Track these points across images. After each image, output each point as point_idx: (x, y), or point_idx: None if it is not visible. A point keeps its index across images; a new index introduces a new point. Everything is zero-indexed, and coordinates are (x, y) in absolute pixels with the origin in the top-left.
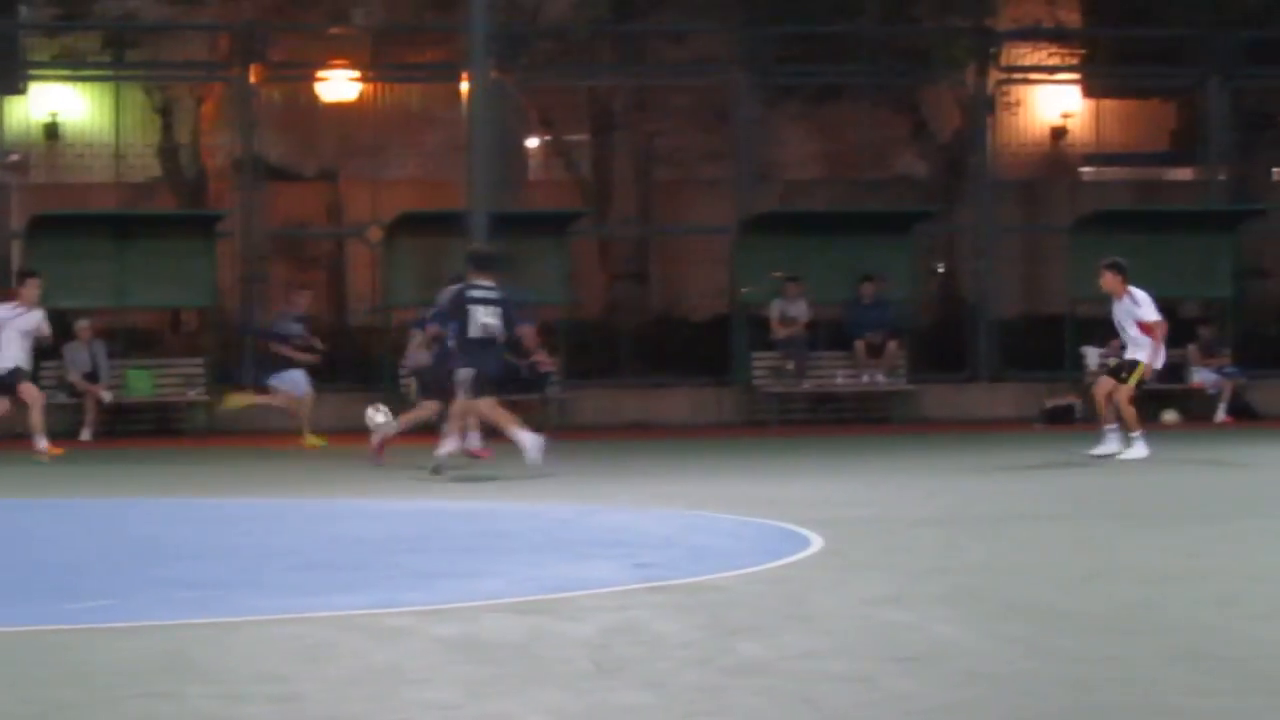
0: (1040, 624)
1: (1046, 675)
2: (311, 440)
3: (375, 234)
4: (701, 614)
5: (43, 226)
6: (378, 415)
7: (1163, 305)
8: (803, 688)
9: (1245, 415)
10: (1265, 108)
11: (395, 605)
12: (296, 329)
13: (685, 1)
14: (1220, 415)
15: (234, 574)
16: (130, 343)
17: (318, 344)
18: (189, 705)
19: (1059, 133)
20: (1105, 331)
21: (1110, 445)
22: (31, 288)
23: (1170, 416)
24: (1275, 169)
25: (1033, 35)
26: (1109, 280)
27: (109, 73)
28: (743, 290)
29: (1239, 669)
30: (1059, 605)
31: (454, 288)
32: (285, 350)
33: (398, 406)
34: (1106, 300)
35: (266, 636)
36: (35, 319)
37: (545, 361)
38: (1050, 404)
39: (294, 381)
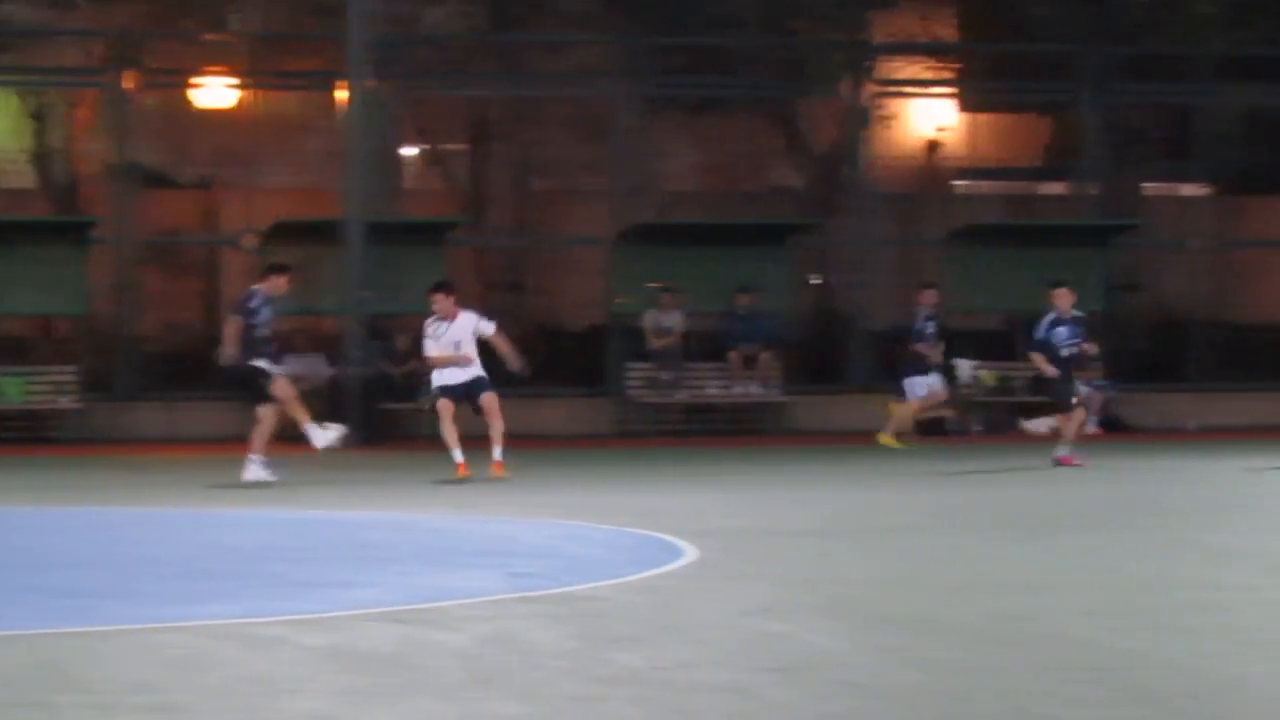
0: (915, 634)
1: (921, 686)
2: (889, 440)
3: (251, 241)
4: (576, 624)
5: None
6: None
7: (1035, 318)
8: (678, 698)
9: (1116, 428)
10: (1137, 123)
11: (269, 614)
12: (928, 327)
13: (564, 12)
14: (1091, 428)
15: (108, 583)
16: (1, 349)
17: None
18: (62, 715)
19: (934, 146)
20: (978, 344)
21: None
22: (440, 302)
23: (1042, 428)
24: (1147, 184)
25: (908, 49)
26: None
27: None
28: (618, 301)
29: (1109, 680)
30: (933, 616)
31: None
32: (921, 349)
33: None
34: (979, 313)
35: (140, 645)
36: (464, 327)
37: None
38: (923, 416)
39: (926, 384)
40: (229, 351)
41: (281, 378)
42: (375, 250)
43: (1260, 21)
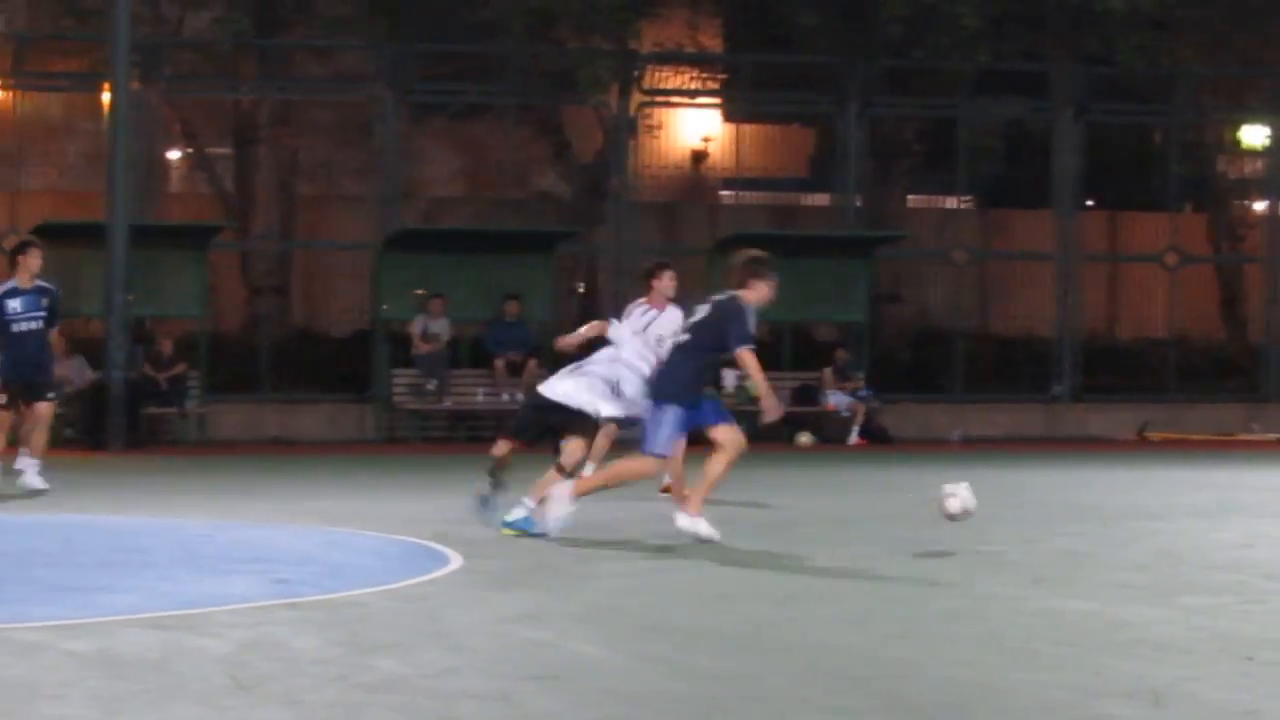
0: (677, 643)
1: (684, 694)
2: None
3: (12, 243)
4: (340, 630)
5: None
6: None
7: (799, 328)
8: (441, 705)
9: (877, 438)
10: (900, 136)
11: (29, 620)
12: None
13: (330, 17)
14: (853, 438)
15: None
16: None
17: None
18: None
19: (699, 156)
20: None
21: None
22: (667, 280)
23: (804, 439)
24: (909, 196)
25: (674, 59)
26: None
27: None
28: (383, 307)
29: (870, 688)
30: (697, 624)
31: None
32: None
33: None
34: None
35: None
36: (674, 320)
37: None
38: None
39: None
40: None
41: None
42: (138, 254)
43: (1019, 36)
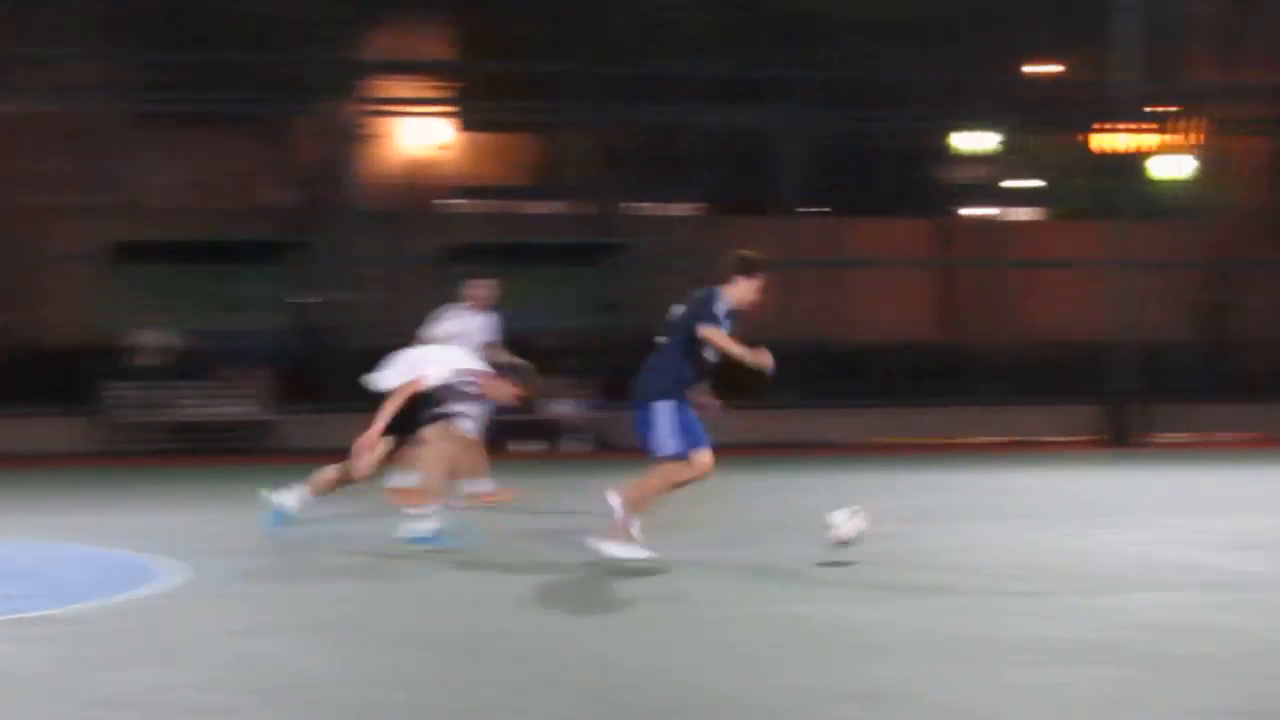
0: (406, 654)
1: (408, 705)
2: None
3: None
4: (60, 646)
5: None
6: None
7: (526, 337)
8: None
9: (601, 446)
10: (628, 143)
11: None
12: None
13: (50, 26)
14: (570, 445)
15: None
16: None
17: None
18: None
19: (423, 164)
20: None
21: None
22: (479, 289)
23: (530, 446)
24: (636, 203)
25: (399, 68)
26: None
27: None
28: (103, 319)
29: (591, 696)
30: (426, 635)
31: None
32: None
33: None
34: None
35: None
36: (488, 324)
37: None
38: None
39: None
40: None
41: None
42: None
43: (744, 43)
